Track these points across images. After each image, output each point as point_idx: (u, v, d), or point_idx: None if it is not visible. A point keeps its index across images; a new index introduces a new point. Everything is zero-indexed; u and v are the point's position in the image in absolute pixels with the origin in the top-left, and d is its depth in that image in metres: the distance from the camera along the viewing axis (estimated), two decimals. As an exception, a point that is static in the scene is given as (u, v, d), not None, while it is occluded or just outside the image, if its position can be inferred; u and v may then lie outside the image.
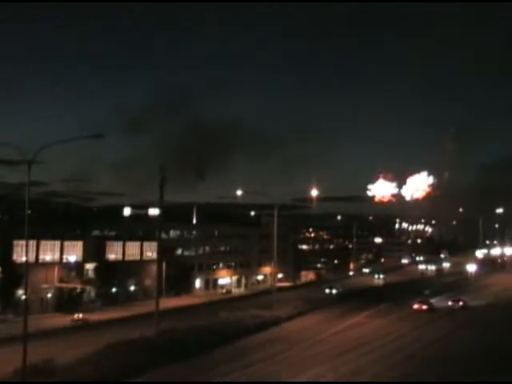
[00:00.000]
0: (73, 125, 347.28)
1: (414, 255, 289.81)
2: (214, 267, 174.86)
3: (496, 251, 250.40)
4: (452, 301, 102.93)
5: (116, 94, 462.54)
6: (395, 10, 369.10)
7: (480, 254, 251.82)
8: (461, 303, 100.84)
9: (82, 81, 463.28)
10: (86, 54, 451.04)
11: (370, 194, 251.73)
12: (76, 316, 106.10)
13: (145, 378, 51.02)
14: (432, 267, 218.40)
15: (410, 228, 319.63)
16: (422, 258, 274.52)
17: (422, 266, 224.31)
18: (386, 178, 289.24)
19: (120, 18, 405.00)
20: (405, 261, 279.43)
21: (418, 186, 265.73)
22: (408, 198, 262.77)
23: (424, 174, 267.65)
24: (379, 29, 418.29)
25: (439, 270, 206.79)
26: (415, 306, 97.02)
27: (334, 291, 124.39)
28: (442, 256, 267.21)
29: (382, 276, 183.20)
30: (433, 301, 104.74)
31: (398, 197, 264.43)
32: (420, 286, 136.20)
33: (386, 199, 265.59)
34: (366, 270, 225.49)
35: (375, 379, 50.22)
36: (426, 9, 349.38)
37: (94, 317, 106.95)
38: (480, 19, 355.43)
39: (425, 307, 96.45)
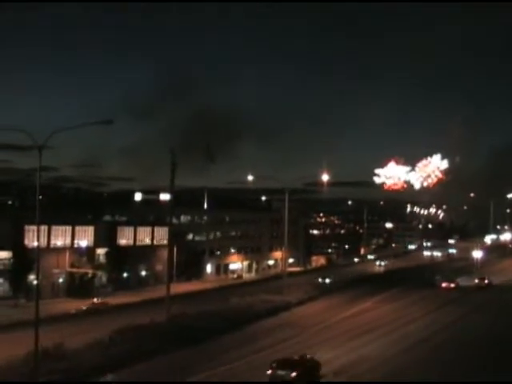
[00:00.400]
0: (81, 110, 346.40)
1: (422, 241, 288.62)
2: (225, 252, 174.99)
3: (506, 236, 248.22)
4: (478, 279, 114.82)
5: (126, 80, 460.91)
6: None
7: (489, 239, 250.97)
8: (486, 281, 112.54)
9: (91, 66, 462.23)
10: (95, 39, 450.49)
11: (380, 179, 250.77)
12: (96, 300, 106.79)
13: (153, 364, 51.26)
14: (438, 253, 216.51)
15: (421, 213, 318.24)
16: (429, 244, 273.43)
17: (427, 253, 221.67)
18: (398, 163, 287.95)
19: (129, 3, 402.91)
20: (412, 247, 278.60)
21: (430, 171, 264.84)
22: (418, 185, 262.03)
23: (437, 157, 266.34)
24: (382, 14, 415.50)
25: (449, 256, 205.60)
26: (443, 285, 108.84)
27: (327, 280, 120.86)
28: (451, 241, 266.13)
29: (383, 263, 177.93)
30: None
31: (409, 184, 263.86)
32: (421, 272, 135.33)
33: (397, 186, 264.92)
34: (370, 257, 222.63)
35: (387, 363, 50.27)
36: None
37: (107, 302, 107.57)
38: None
39: (452, 285, 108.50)
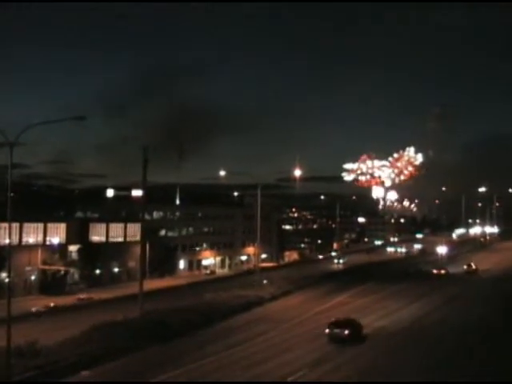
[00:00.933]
0: (57, 108, 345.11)
1: (389, 236, 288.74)
2: (198, 248, 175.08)
3: (476, 230, 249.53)
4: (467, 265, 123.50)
5: (101, 78, 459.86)
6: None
7: (457, 233, 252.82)
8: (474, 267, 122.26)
9: (65, 64, 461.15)
10: (70, 38, 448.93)
11: (350, 176, 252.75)
12: (81, 295, 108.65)
13: (127, 360, 51.22)
14: (402, 249, 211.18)
15: (394, 207, 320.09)
16: (397, 239, 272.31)
17: (390, 249, 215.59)
18: (370, 158, 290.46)
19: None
20: (379, 242, 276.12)
21: (403, 166, 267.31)
22: (389, 182, 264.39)
23: (411, 150, 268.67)
24: (362, 9, 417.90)
25: (411, 252, 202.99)
26: (435, 271, 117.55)
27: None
28: (419, 236, 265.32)
29: (341, 261, 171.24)
30: None
31: (381, 180, 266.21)
32: (381, 271, 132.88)
33: (369, 183, 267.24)
34: (333, 254, 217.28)
35: (358, 357, 50.59)
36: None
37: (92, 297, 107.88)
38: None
39: (443, 272, 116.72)
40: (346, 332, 55.12)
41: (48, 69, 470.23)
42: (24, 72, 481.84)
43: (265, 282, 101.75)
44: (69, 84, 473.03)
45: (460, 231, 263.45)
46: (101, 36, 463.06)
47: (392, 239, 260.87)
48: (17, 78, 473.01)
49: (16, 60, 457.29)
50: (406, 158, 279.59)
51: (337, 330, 55.63)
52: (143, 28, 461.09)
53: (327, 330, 56.27)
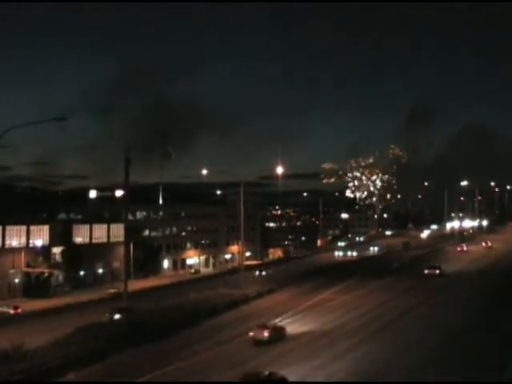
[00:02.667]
0: (39, 110, 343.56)
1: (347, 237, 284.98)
2: (182, 247, 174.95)
3: (455, 224, 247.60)
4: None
5: (82, 77, 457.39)
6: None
7: (430, 228, 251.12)
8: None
9: (46, 65, 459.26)
10: (54, 37, 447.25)
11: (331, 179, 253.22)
12: (113, 290, 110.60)
13: (112, 361, 51.23)
14: (353, 253, 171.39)
15: (376, 202, 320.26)
16: (362, 239, 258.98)
17: (338, 253, 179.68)
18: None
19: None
20: (361, 239, 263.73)
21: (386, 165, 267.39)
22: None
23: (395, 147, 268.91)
24: (348, 10, 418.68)
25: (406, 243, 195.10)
26: (426, 272, 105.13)
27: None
28: (389, 233, 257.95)
29: (264, 273, 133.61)
30: None
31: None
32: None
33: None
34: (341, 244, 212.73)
35: (341, 355, 50.81)
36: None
37: (63, 301, 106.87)
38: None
39: (437, 272, 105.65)
40: (266, 334, 57.36)
41: (32, 68, 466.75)
42: (6, 72, 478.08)
43: (251, 278, 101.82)
44: (53, 84, 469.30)
45: (434, 227, 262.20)
46: (86, 35, 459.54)
47: (340, 243, 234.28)
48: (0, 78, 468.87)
49: (1, 60, 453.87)
50: (390, 156, 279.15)
51: (258, 332, 57.81)
52: (129, 26, 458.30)
53: (251, 333, 58.23)
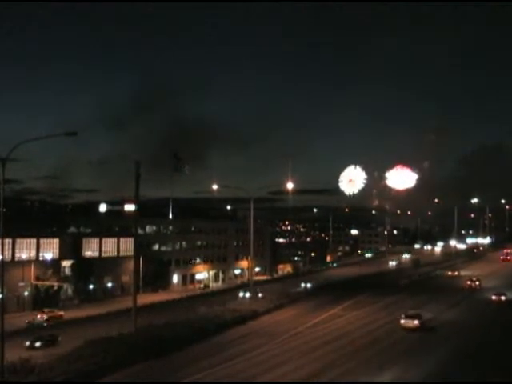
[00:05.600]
0: (53, 125, 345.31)
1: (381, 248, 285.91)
2: (191, 262, 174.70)
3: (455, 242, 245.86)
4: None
5: (94, 93, 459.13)
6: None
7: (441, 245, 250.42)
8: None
9: (60, 79, 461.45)
10: (65, 53, 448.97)
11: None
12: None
13: (119, 376, 51.07)
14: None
15: (386, 219, 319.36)
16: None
17: (392, 262, 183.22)
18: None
19: (101, 17, 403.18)
20: (369, 255, 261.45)
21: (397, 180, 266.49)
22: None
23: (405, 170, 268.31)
24: (354, 22, 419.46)
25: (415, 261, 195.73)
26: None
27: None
28: (369, 255, 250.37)
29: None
30: None
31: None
32: None
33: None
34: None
35: (348, 373, 50.56)
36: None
37: (72, 314, 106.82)
38: (452, 17, 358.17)
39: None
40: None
41: (46, 83, 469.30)
42: (18, 88, 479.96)
43: (260, 295, 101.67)
44: (66, 98, 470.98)
45: (440, 243, 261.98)
46: (100, 49, 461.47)
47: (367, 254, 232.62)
48: (10, 93, 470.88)
49: (15, 75, 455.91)
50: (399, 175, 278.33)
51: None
52: (136, 43, 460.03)
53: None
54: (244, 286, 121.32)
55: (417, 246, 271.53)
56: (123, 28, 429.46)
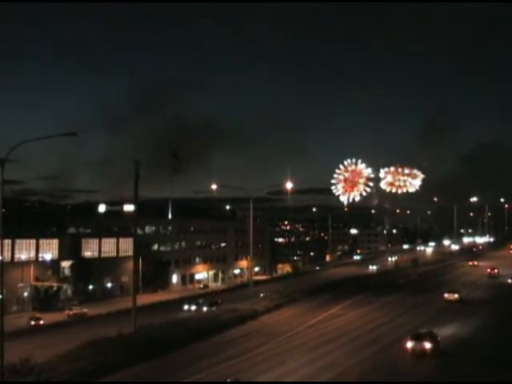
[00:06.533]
0: (52, 125, 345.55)
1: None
2: (191, 262, 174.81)
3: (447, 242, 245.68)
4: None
5: (94, 93, 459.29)
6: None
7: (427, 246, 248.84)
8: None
9: (59, 80, 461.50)
10: (62, 53, 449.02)
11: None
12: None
13: (119, 376, 51.08)
14: (374, 267, 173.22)
15: (386, 218, 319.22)
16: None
17: (372, 267, 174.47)
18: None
19: (100, 18, 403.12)
20: (357, 257, 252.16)
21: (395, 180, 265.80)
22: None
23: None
24: (353, 25, 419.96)
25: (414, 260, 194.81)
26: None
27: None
28: (358, 258, 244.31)
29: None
30: None
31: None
32: None
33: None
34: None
35: (348, 372, 50.62)
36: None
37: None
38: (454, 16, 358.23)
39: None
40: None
41: (45, 83, 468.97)
42: (21, 87, 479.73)
43: (262, 295, 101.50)
44: (66, 99, 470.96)
45: (432, 243, 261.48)
46: (100, 50, 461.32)
47: (355, 257, 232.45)
48: (14, 93, 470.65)
49: (15, 75, 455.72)
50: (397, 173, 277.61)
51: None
52: (143, 42, 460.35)
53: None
54: (194, 298, 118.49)
55: (418, 247, 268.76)
56: (123, 28, 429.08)
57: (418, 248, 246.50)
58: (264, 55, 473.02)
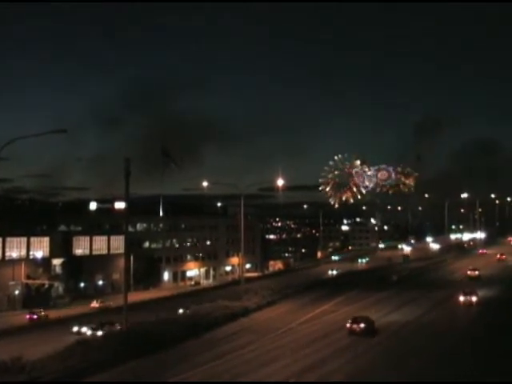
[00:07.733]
0: (44, 124, 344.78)
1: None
2: (182, 259, 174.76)
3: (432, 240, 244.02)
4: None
5: (86, 91, 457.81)
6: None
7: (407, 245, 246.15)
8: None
9: (53, 78, 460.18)
10: (59, 51, 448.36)
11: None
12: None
13: (112, 373, 50.91)
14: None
15: (377, 214, 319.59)
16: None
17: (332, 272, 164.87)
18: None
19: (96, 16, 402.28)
20: (336, 258, 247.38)
21: (384, 178, 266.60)
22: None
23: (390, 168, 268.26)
24: (342, 21, 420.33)
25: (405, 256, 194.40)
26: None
27: None
28: (337, 258, 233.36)
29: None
30: None
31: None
32: None
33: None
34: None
35: (337, 371, 50.51)
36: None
37: (63, 312, 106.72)
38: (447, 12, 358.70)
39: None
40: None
41: (36, 81, 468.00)
42: (12, 86, 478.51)
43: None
44: (58, 98, 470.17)
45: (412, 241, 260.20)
46: (93, 48, 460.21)
47: (334, 257, 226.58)
48: (6, 92, 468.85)
49: (3, 73, 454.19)
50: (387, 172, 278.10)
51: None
52: (136, 41, 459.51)
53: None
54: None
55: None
56: (123, 28, 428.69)
57: (400, 246, 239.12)
58: (264, 55, 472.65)
